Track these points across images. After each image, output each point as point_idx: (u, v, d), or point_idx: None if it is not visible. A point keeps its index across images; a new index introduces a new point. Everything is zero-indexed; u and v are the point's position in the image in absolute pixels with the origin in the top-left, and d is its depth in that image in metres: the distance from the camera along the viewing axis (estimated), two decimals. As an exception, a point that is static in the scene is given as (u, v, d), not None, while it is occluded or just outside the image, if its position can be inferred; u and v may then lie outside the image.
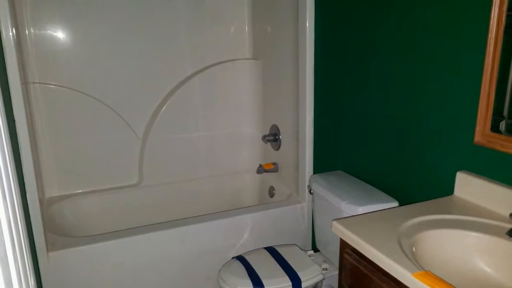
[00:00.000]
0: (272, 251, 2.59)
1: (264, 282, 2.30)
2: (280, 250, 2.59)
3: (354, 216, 1.67)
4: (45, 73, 3.07)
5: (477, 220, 1.59)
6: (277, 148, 3.44)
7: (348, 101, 2.59)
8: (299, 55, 2.88)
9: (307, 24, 2.76)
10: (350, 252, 1.59)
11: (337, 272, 2.13)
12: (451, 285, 1.16)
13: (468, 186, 1.76)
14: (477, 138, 1.72)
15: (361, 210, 2.13)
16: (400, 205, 2.17)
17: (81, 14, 3.09)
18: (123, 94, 3.33)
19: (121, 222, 3.33)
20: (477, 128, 1.71)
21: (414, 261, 1.31)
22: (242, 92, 3.70)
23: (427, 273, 1.22)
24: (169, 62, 3.42)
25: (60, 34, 3.07)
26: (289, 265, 2.43)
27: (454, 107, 1.84)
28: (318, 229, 2.62)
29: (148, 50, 3.33)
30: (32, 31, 2.98)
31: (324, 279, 2.44)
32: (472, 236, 1.50)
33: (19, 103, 2.26)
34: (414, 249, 1.42)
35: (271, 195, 3.53)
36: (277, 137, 3.41)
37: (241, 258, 2.51)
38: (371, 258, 1.42)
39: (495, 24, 1.59)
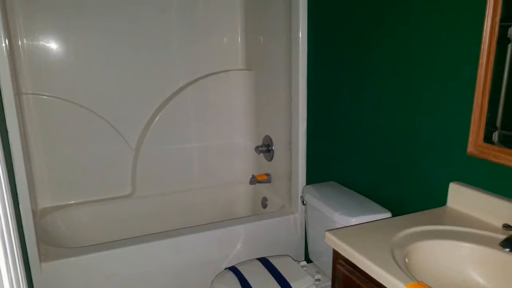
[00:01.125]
0: (265, 261, 2.58)
1: (257, 293, 2.30)
2: (273, 261, 2.59)
3: (347, 227, 1.67)
4: (38, 83, 3.07)
5: (470, 231, 1.59)
6: (270, 159, 3.45)
7: (341, 112, 2.59)
8: (292, 66, 2.89)
9: (300, 35, 2.77)
10: (343, 263, 1.59)
11: (330, 283, 2.13)
12: (444, 295, 1.16)
13: (461, 197, 1.77)
14: (470, 149, 1.72)
15: (354, 221, 2.13)
16: (393, 215, 2.17)
17: (74, 25, 3.09)
18: (116, 105, 3.33)
19: (114, 233, 3.32)
20: (470, 139, 1.71)
21: (407, 272, 1.31)
22: (235, 103, 3.70)
23: (420, 284, 1.22)
24: (162, 73, 3.43)
25: (53, 45, 3.07)
26: (282, 276, 2.42)
27: (447, 118, 1.85)
28: (311, 240, 2.62)
29: (141, 61, 3.34)
30: (25, 41, 2.98)
31: (317, 290, 2.44)
32: (465, 247, 1.50)
33: (12, 113, 2.25)
34: (407, 260, 1.42)
35: (264, 206, 3.53)
36: (270, 148, 3.41)
37: (234, 269, 2.50)
38: (364, 269, 1.42)
39: (488, 35, 1.60)
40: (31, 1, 2.95)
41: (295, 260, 2.62)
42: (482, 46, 1.62)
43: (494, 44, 1.59)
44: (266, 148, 3.45)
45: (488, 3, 1.57)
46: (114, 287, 2.62)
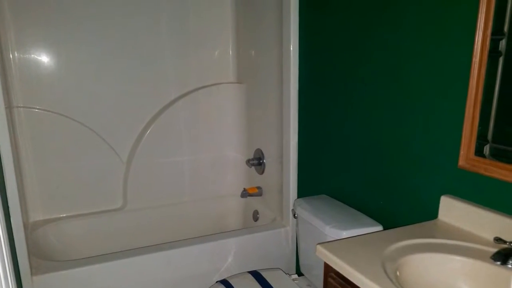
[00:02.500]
0: (256, 275, 2.57)
1: (249, 306, 2.29)
2: (264, 274, 2.58)
3: (338, 240, 1.67)
4: (29, 97, 3.06)
5: (461, 244, 1.59)
6: (261, 172, 3.44)
7: (332, 125, 2.60)
8: (283, 79, 2.90)
9: (291, 48, 2.78)
10: (334, 276, 1.59)
11: (322, 296, 2.12)
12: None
13: (452, 210, 1.77)
14: (461, 162, 1.73)
15: (345, 234, 2.13)
16: (384, 229, 2.17)
17: (66, 38, 3.09)
18: (107, 118, 3.32)
19: (105, 246, 3.31)
20: (461, 152, 1.72)
21: (398, 285, 1.31)
22: (226, 116, 3.70)
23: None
24: (153, 86, 3.43)
25: (44, 58, 3.06)
26: (273, 290, 2.42)
27: (438, 131, 1.86)
28: (302, 253, 2.62)
29: (132, 74, 3.34)
30: (16, 55, 2.98)
31: (309, 303, 2.43)
32: (457, 260, 1.51)
33: (3, 127, 2.24)
34: (398, 273, 1.42)
35: (255, 219, 3.52)
36: (261, 161, 3.41)
37: (225, 282, 2.50)
38: (355, 282, 1.42)
39: (479, 48, 1.60)
40: (22, 14, 2.95)
41: (286, 273, 2.61)
42: (474, 59, 1.63)
43: (485, 57, 1.60)
44: (257, 161, 3.45)
45: (479, 16, 1.58)
46: (104, 301, 2.61)
